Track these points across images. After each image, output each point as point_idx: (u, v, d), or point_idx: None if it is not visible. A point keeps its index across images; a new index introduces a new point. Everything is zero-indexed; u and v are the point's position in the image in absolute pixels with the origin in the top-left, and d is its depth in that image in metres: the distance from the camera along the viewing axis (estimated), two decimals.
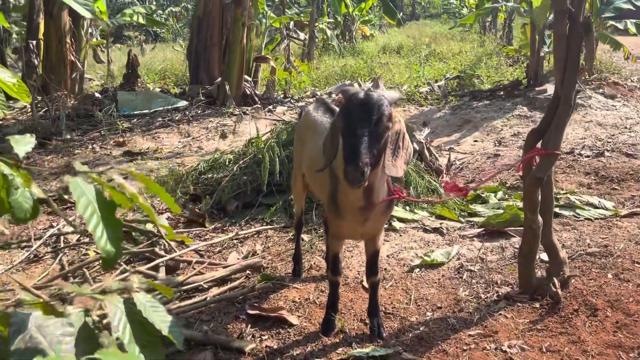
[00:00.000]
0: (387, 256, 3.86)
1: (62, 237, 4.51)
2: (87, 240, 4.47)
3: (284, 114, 8.97)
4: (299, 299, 3.32)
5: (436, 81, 11.06)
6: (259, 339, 2.93)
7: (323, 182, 2.63)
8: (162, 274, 3.66)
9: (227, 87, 9.39)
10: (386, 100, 2.13)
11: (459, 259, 3.75)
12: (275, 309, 3.16)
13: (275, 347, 2.85)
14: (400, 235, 4.22)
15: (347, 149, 2.01)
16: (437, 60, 15.39)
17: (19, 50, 13.08)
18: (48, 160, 7.11)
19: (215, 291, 3.45)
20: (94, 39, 14.54)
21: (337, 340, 2.87)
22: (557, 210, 4.28)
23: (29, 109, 9.58)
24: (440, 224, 4.39)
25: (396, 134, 2.20)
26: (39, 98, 9.47)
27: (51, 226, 4.88)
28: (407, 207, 4.68)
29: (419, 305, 3.19)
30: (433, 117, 8.38)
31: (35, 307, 1.55)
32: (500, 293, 3.25)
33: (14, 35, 18.77)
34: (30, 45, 11.57)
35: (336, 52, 18.46)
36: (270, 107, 9.47)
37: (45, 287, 3.70)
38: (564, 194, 4.78)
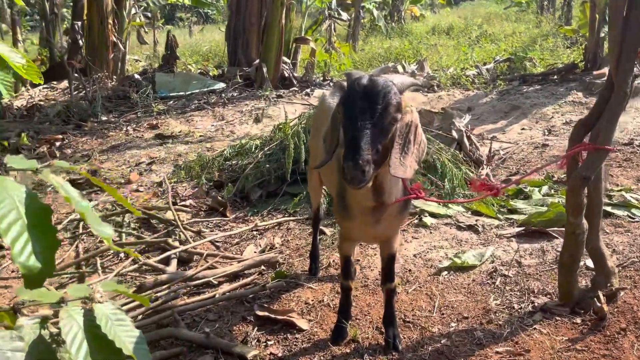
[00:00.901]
0: (414, 255, 3.55)
1: (81, 223, 4.42)
2: None
3: (317, 98, 8.67)
4: (313, 300, 3.07)
5: (485, 64, 10.46)
6: (264, 344, 2.71)
7: (332, 178, 2.35)
8: (172, 266, 3.49)
9: (265, 69, 9.17)
10: (395, 87, 1.82)
11: (492, 261, 3.40)
12: (284, 312, 2.93)
13: (279, 354, 2.62)
14: (431, 232, 3.90)
15: (347, 144, 1.72)
16: (488, 42, 14.64)
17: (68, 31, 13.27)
18: (82, 142, 7.11)
19: (225, 287, 3.25)
20: (137, 20, 14.58)
21: (348, 351, 2.62)
22: (608, 209, 3.84)
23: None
24: (476, 220, 4.02)
25: (406, 126, 1.88)
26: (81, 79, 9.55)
27: (74, 210, 4.81)
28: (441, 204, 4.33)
29: (443, 314, 2.88)
30: (479, 103, 7.89)
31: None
32: (536, 304, 2.89)
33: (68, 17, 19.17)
34: (76, 26, 11.70)
35: (382, 33, 17.94)
36: (308, 90, 9.19)
37: (56, 274, 3.61)
38: (618, 190, 4.30)
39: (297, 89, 9.26)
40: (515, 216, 4.05)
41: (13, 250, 1.10)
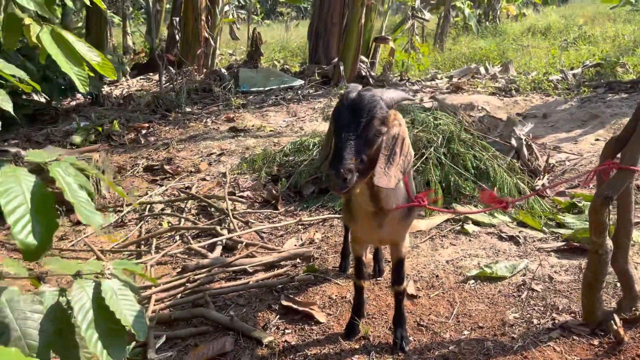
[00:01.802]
0: (446, 262, 3.58)
1: (148, 206, 4.86)
2: (168, 211, 4.77)
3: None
4: (336, 296, 3.22)
5: (572, 68, 9.95)
6: (282, 332, 2.90)
7: None
8: (217, 252, 3.78)
9: (342, 68, 9.35)
10: (382, 101, 1.92)
11: (524, 274, 3.36)
12: (307, 304, 3.11)
13: (293, 343, 2.80)
14: (470, 240, 3.90)
15: (332, 153, 1.86)
16: (586, 44, 13.83)
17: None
18: (165, 131, 7.69)
19: (259, 276, 3.48)
20: (230, 17, 15.29)
21: (357, 347, 2.74)
22: None
23: (165, 82, 10.39)
24: (520, 232, 3.96)
25: (392, 138, 1.97)
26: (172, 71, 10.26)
27: (146, 193, 5.28)
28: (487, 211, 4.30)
29: (458, 321, 2.92)
30: (556, 109, 7.56)
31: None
32: (557, 321, 2.85)
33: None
34: (174, 21, 12.55)
35: (473, 32, 17.48)
36: (384, 89, 9.25)
37: (118, 251, 4.03)
38: None
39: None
40: (562, 230, 3.94)
41: (14, 229, 1.36)
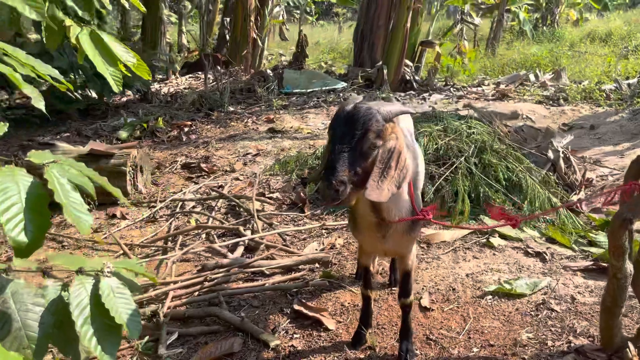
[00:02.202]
0: (466, 275, 3.51)
1: (179, 203, 5.00)
2: (198, 209, 4.89)
3: (436, 103, 8.58)
4: (349, 303, 3.22)
5: (627, 78, 9.50)
6: (290, 336, 2.93)
7: None
8: (238, 252, 3.85)
9: (385, 71, 9.29)
10: (378, 114, 1.91)
11: (545, 293, 3.25)
12: (318, 310, 3.12)
13: (299, 348, 2.82)
14: (494, 254, 3.80)
15: (326, 164, 1.86)
16: None
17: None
18: (207, 129, 7.87)
19: (276, 278, 3.52)
20: (280, 18, 15.46)
21: (362, 356, 2.73)
22: None
23: (211, 80, 10.64)
24: (547, 248, 3.83)
25: (388, 152, 1.95)
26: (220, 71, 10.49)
27: (180, 190, 5.42)
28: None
29: (469, 338, 2.86)
30: (605, 121, 7.25)
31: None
32: (573, 344, 2.75)
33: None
34: (225, 21, 12.82)
35: (528, 37, 16.97)
36: (426, 94, 9.14)
37: (146, 246, 4.16)
38: None
39: (414, 93, 9.25)
40: (593, 249, 3.78)
41: (5, 226, 1.44)
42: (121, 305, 1.78)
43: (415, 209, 2.24)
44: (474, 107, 5.92)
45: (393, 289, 3.37)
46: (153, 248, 4.14)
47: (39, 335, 1.69)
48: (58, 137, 7.80)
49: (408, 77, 9.66)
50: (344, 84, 9.68)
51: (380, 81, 9.38)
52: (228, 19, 12.92)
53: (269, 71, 10.67)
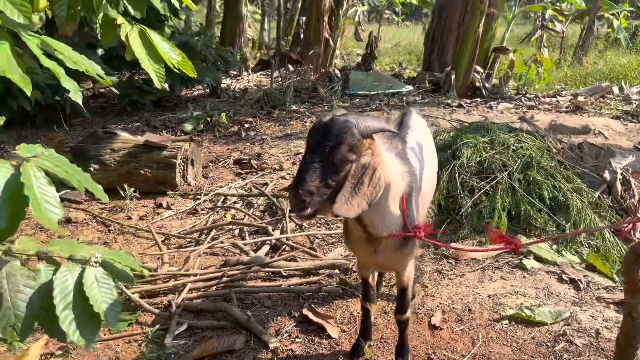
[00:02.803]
0: (488, 296, 3.36)
1: (222, 198, 5.15)
2: (238, 205, 5.01)
3: (502, 112, 8.24)
4: (358, 313, 3.18)
5: None
6: (292, 340, 2.95)
7: None
8: (262, 250, 3.91)
9: (453, 77, 9.04)
10: (355, 128, 1.86)
11: (568, 324, 3.04)
12: (325, 316, 3.11)
13: (297, 352, 2.83)
14: (524, 277, 3.61)
15: (296, 173, 1.85)
16: None
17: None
18: (266, 127, 8.04)
19: (293, 280, 3.54)
20: (356, 19, 15.44)
21: None
22: None
23: (280, 79, 10.83)
24: (585, 276, 3.59)
25: (362, 167, 1.89)
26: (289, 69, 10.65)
27: (227, 185, 5.58)
28: (555, 246, 3.95)
29: None
30: None
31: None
32: None
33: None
34: (301, 21, 13.00)
35: (623, 47, 15.84)
36: (494, 102, 8.80)
37: (180, 237, 4.33)
38: None
39: (481, 100, 8.94)
40: None
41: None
42: (103, 294, 1.87)
43: (407, 225, 2.18)
44: (527, 120, 5.62)
45: None
46: (187, 239, 4.30)
47: (25, 315, 1.80)
48: (130, 125, 8.27)
49: (478, 84, 9.33)
50: (410, 88, 9.53)
51: (448, 86, 9.14)
52: (304, 19, 13.10)
53: (336, 71, 10.70)
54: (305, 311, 3.15)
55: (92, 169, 5.38)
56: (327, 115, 1.92)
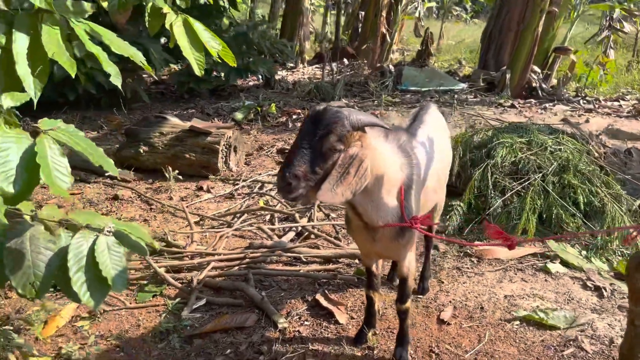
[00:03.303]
0: (504, 297, 3.33)
1: (259, 184, 5.32)
2: (273, 192, 5.16)
3: (556, 114, 7.96)
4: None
5: None
6: (301, 322, 3.05)
7: None
8: (287, 236, 4.03)
9: (508, 76, 8.82)
10: (346, 120, 1.92)
11: (583, 330, 2.98)
12: (335, 302, 3.20)
13: (303, 334, 2.93)
14: (547, 281, 3.54)
15: (285, 158, 1.93)
16: None
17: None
18: None
19: (313, 267, 3.64)
20: (416, 14, 15.25)
21: (359, 355, 2.77)
22: None
23: (335, 71, 10.91)
24: (611, 284, 3.48)
25: (349, 158, 1.95)
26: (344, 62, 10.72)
27: (267, 172, 5.75)
28: (585, 252, 3.84)
29: (475, 359, 2.75)
30: None
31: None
32: None
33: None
34: (360, 15, 13.02)
35: None
36: (550, 104, 8.51)
37: (213, 218, 4.53)
38: None
39: (536, 102, 8.67)
40: None
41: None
42: (113, 261, 2.03)
43: (404, 216, 2.22)
44: (570, 123, 5.43)
45: (419, 297, 3.32)
46: (220, 222, 4.49)
47: (44, 274, 2.00)
48: (185, 112, 8.62)
49: (534, 84, 9.05)
50: (463, 86, 9.37)
51: (502, 86, 8.92)
52: (363, 13, 13.11)
53: (391, 67, 10.67)
54: (318, 296, 3.25)
55: (141, 150, 5.70)
56: (321, 105, 1.99)
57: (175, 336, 2.93)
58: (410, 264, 2.50)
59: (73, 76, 2.37)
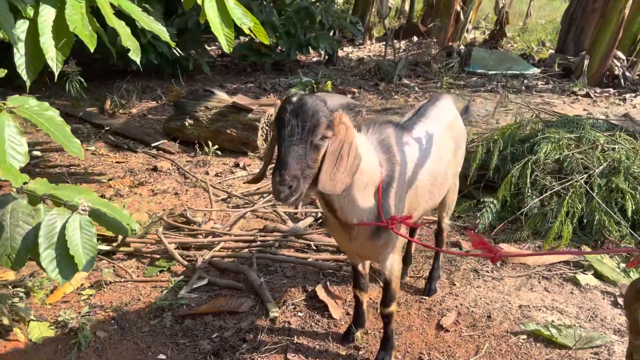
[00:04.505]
0: (519, 307, 3.08)
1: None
2: None
3: (635, 107, 7.23)
4: (370, 299, 3.11)
5: None
6: (294, 313, 2.99)
7: None
8: (303, 222, 3.95)
9: (587, 62, 8.11)
10: (324, 106, 1.78)
11: (597, 353, 2.69)
12: (333, 296, 3.10)
13: (292, 326, 2.86)
14: (573, 293, 3.24)
15: (277, 160, 1.80)
16: None
17: None
18: (369, 99, 7.95)
19: (322, 256, 3.54)
20: None
21: (343, 353, 2.67)
22: None
23: (401, 50, 10.54)
24: None
25: (339, 142, 1.81)
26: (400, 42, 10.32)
27: None
28: (622, 265, 3.47)
29: None
30: None
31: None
32: None
33: None
34: None
35: None
36: (631, 94, 7.75)
37: (238, 197, 4.53)
38: None
39: (615, 91, 7.92)
40: None
41: None
42: (83, 240, 2.05)
43: (381, 215, 2.06)
44: (633, 119, 4.88)
45: (423, 297, 3.15)
46: (245, 200, 4.48)
47: (20, 247, 2.05)
48: (244, 86, 8.69)
49: (617, 72, 8.26)
50: (535, 70, 8.73)
51: (580, 72, 8.22)
52: None
53: (462, 47, 10.14)
54: (317, 288, 3.16)
55: (186, 123, 5.80)
56: (293, 97, 1.86)
57: (169, 314, 2.96)
58: (392, 266, 2.33)
59: (92, 50, 2.40)
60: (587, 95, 7.69)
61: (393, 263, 2.33)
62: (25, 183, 2.09)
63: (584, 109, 7.09)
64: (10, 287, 3.05)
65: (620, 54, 8.34)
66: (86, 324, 2.79)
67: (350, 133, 1.88)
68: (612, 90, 7.98)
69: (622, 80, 8.23)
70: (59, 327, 2.82)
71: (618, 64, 8.32)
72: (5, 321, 2.70)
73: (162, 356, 2.65)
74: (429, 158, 2.39)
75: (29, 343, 2.71)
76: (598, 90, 7.99)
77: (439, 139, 2.51)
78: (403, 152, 2.21)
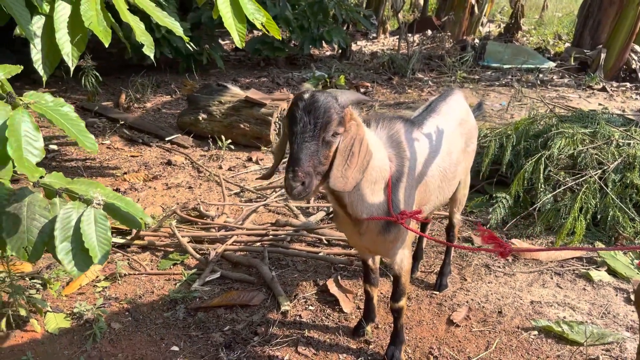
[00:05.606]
0: (530, 302, 3.07)
1: None
2: None
3: None
4: (381, 294, 3.12)
5: None
6: (305, 307, 3.01)
7: None
8: (314, 217, 3.96)
9: (604, 55, 8.00)
10: (335, 102, 1.79)
11: (608, 350, 2.68)
12: (344, 290, 3.12)
13: (303, 320, 2.89)
14: (585, 289, 3.22)
15: (290, 157, 1.82)
16: None
17: None
18: (382, 93, 7.92)
19: (334, 250, 3.56)
20: None
21: (354, 347, 2.69)
22: None
23: (416, 43, 10.48)
24: None
25: (350, 139, 1.82)
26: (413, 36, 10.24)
27: None
28: (636, 261, 3.44)
29: None
30: None
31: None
32: None
33: None
34: None
35: None
36: None
37: (251, 190, 4.56)
38: None
39: (632, 85, 7.81)
40: None
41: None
42: (98, 233, 2.09)
43: (391, 210, 2.07)
44: None
45: (434, 292, 3.15)
46: (257, 194, 4.51)
47: (36, 240, 2.09)
48: (257, 80, 8.71)
49: (634, 66, 8.14)
50: (550, 64, 8.63)
51: (596, 66, 8.11)
52: None
53: (476, 40, 10.06)
54: (329, 281, 3.18)
55: (200, 117, 5.84)
56: (305, 93, 1.87)
57: (182, 307, 3.00)
58: (402, 261, 2.34)
59: (106, 46, 2.43)
60: (603, 89, 7.60)
61: (403, 258, 2.34)
62: (41, 177, 2.13)
63: (600, 104, 7.01)
64: (27, 279, 3.11)
65: (637, 47, 8.21)
66: (101, 315, 2.85)
67: (362, 129, 1.90)
68: (629, 85, 7.88)
69: (639, 74, 8.11)
70: (74, 319, 2.88)
71: (635, 57, 8.20)
72: (23, 312, 2.75)
73: (175, 348, 2.69)
74: (438, 154, 2.39)
75: (46, 334, 2.76)
76: (615, 84, 7.88)
77: (450, 134, 2.50)
78: (413, 147, 2.22)
